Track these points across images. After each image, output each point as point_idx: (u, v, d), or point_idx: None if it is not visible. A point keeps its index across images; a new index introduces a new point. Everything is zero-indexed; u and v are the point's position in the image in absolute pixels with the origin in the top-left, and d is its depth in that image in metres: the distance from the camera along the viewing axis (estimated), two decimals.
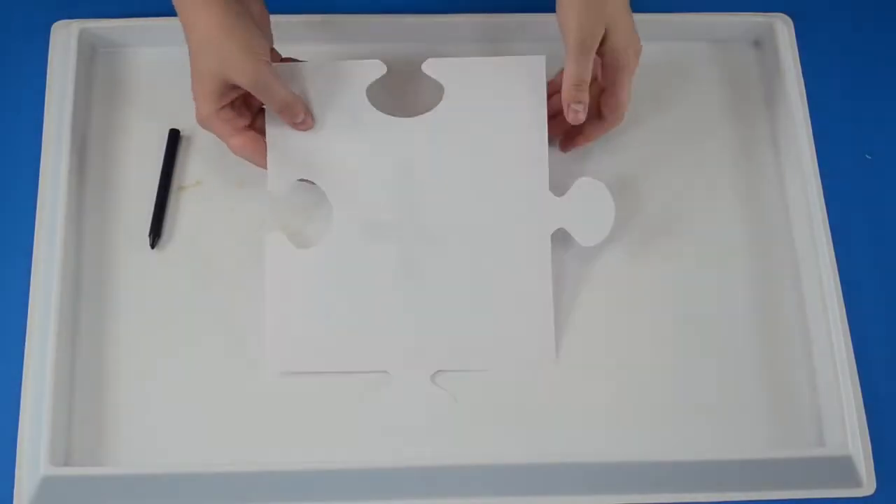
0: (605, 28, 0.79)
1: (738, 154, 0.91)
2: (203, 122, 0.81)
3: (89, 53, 0.91)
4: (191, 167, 0.88)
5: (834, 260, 0.85)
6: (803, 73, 0.92)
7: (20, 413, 0.79)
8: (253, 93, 0.80)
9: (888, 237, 0.89)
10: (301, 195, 0.86)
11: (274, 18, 0.85)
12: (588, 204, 0.84)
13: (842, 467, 0.79)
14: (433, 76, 0.84)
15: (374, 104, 0.84)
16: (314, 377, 0.81)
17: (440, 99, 0.85)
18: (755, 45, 0.95)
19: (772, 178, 0.90)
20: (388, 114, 0.84)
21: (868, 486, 0.80)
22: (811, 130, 0.89)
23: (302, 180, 0.84)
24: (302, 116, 0.82)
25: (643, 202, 0.88)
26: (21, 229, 0.85)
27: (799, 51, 0.92)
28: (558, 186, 0.84)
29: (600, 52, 0.80)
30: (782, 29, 0.93)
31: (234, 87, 0.79)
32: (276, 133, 0.83)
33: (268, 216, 0.86)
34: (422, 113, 0.85)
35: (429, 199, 0.83)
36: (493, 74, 0.84)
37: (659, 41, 0.94)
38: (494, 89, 0.84)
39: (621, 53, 0.80)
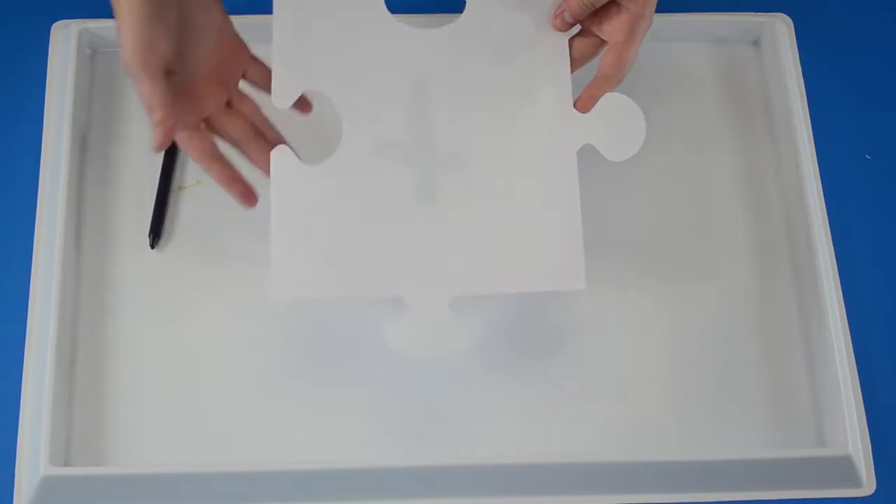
0: None
1: (738, 154, 0.91)
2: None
3: (89, 53, 0.91)
4: (191, 167, 0.88)
5: (834, 260, 0.85)
6: (803, 73, 0.92)
7: (20, 413, 0.79)
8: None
9: (888, 237, 0.89)
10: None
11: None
12: (616, 119, 0.77)
13: (842, 467, 0.79)
14: None
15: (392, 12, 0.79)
16: (314, 377, 0.81)
17: (461, 11, 0.80)
18: (755, 45, 0.95)
19: (772, 178, 0.90)
20: (407, 24, 0.79)
21: (868, 486, 0.80)
22: (811, 130, 0.89)
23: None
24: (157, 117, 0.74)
25: (642, 202, 0.88)
26: (21, 229, 0.85)
27: (799, 51, 0.92)
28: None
29: (620, 1, 0.77)
30: (782, 29, 0.93)
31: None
32: (284, 40, 0.76)
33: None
34: (441, 25, 0.79)
35: (447, 115, 0.77)
36: None
37: (659, 41, 0.94)
38: (518, 7, 0.79)
39: (648, 4, 0.77)
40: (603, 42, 0.78)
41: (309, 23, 0.77)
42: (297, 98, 0.76)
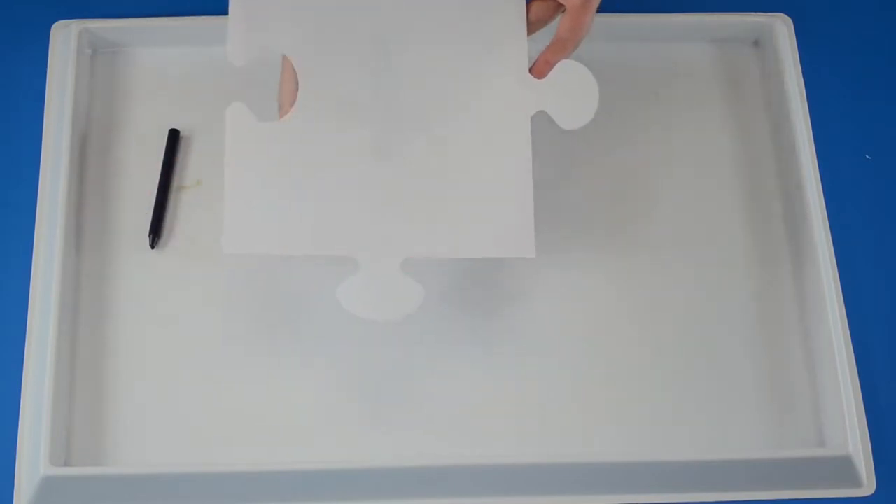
0: None
1: (738, 154, 0.91)
2: None
3: (89, 53, 0.91)
4: (191, 167, 0.88)
5: (834, 260, 0.85)
6: (803, 73, 0.92)
7: (20, 413, 0.79)
8: None
9: (888, 237, 0.89)
10: (264, 65, 0.79)
11: None
12: (570, 86, 0.77)
13: (842, 467, 0.79)
14: None
15: None
16: (315, 377, 0.81)
17: None
18: (755, 45, 0.95)
19: (771, 178, 0.90)
20: None
21: (868, 486, 0.80)
22: (811, 130, 0.89)
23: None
24: None
25: (642, 202, 0.88)
26: (21, 229, 0.85)
27: (799, 51, 0.92)
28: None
29: None
30: (782, 29, 0.93)
31: None
32: None
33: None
34: None
35: (406, 76, 0.77)
36: None
37: (659, 41, 0.94)
38: None
39: None
40: (560, 6, 0.78)
41: None
42: (252, 55, 0.76)
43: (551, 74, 0.77)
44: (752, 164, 0.90)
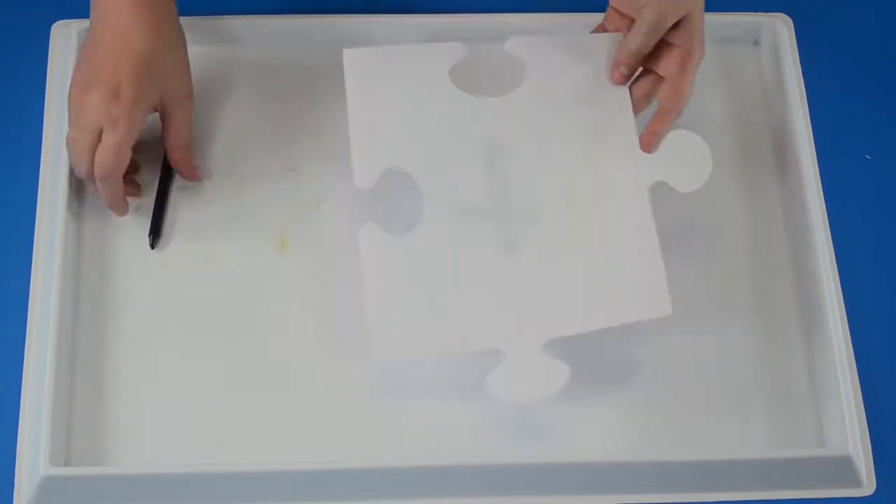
0: (684, 14, 0.79)
1: (738, 154, 0.91)
2: (129, 107, 0.78)
3: None
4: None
5: (834, 260, 0.85)
6: (803, 73, 0.92)
7: (20, 413, 0.79)
8: (176, 113, 0.82)
9: (888, 237, 0.89)
10: (387, 183, 0.81)
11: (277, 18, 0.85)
12: (682, 154, 0.82)
13: (842, 467, 0.79)
14: (516, 55, 0.83)
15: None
16: (314, 377, 0.81)
17: (521, 78, 0.83)
18: (755, 45, 0.95)
19: (771, 179, 0.90)
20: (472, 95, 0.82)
21: (868, 486, 0.80)
22: (811, 130, 0.89)
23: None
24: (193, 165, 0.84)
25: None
26: (21, 229, 0.85)
27: (799, 51, 0.92)
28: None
29: (672, 37, 0.80)
30: (782, 29, 0.93)
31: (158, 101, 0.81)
32: (361, 121, 0.80)
33: (357, 209, 0.84)
34: (504, 93, 0.83)
35: (521, 173, 0.81)
36: (573, 50, 0.83)
37: None
38: (576, 64, 0.83)
39: (695, 39, 0.80)
40: (660, 78, 0.81)
41: (380, 102, 0.81)
42: (377, 176, 0.79)
43: (664, 145, 0.81)
44: (752, 164, 0.90)
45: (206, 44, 0.91)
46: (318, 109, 0.90)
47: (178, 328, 0.83)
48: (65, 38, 0.89)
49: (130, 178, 0.85)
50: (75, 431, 0.79)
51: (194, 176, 0.86)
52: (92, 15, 0.81)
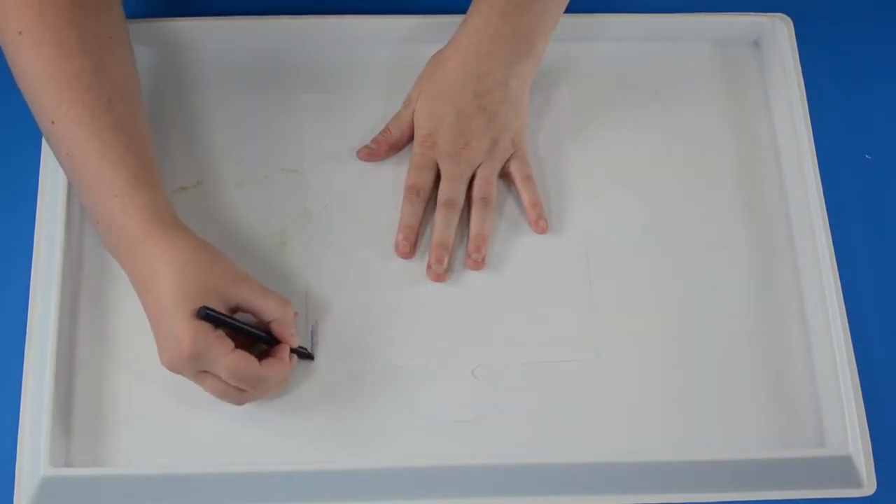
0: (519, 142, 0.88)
1: (738, 154, 0.91)
2: (196, 348, 0.73)
3: None
4: (190, 167, 0.88)
5: (834, 260, 0.85)
6: (803, 73, 0.92)
7: (20, 413, 0.79)
8: (247, 302, 0.77)
9: (888, 237, 0.89)
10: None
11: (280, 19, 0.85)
12: None
13: (842, 467, 0.79)
14: None
15: None
16: (313, 378, 0.81)
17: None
18: (755, 45, 0.95)
19: (772, 178, 0.90)
20: None
21: (868, 486, 0.80)
22: (811, 130, 0.89)
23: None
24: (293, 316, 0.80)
25: (643, 202, 0.88)
26: (21, 229, 0.85)
27: (799, 51, 0.92)
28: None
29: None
30: (782, 29, 0.93)
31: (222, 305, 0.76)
32: None
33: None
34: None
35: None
36: None
37: (659, 41, 0.94)
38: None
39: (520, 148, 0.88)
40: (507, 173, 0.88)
41: None
42: None
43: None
44: (752, 165, 0.90)
45: (207, 44, 0.91)
46: (322, 111, 0.90)
47: None
48: None
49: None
50: (75, 431, 0.79)
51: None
52: (126, 267, 0.78)
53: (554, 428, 0.81)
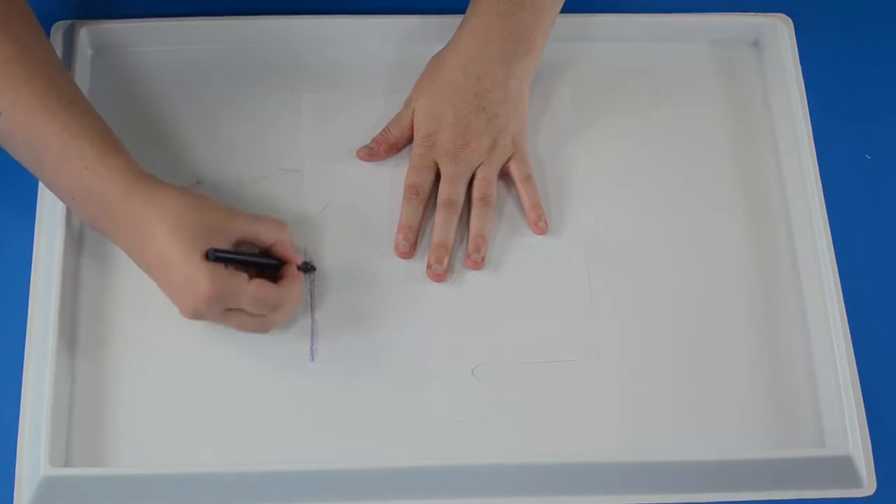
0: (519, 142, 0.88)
1: (738, 154, 0.91)
2: (218, 288, 0.74)
3: (90, 54, 0.91)
4: (190, 167, 0.88)
5: (834, 260, 0.85)
6: (803, 73, 0.92)
7: (20, 413, 0.79)
8: (259, 236, 0.79)
9: (888, 237, 0.89)
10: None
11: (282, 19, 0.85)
12: None
13: (842, 467, 0.79)
14: None
15: None
16: (314, 377, 0.81)
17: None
18: (755, 45, 0.95)
19: (772, 178, 0.90)
20: None
21: (868, 486, 0.80)
22: (811, 130, 0.89)
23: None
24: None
25: (642, 202, 0.88)
26: (21, 229, 0.85)
27: (799, 51, 0.93)
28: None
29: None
30: (782, 29, 0.93)
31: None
32: None
33: None
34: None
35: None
36: None
37: (659, 41, 0.94)
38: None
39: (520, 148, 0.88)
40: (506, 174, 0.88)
41: None
42: None
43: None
44: (752, 164, 0.90)
45: (205, 44, 0.91)
46: (322, 111, 0.90)
47: (178, 329, 0.82)
48: (65, 38, 0.89)
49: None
50: (75, 431, 0.79)
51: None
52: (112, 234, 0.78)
53: (554, 428, 0.81)
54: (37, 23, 0.80)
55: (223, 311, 0.77)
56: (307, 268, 0.82)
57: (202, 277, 0.74)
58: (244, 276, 0.76)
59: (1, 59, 0.75)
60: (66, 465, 0.78)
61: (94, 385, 0.81)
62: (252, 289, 0.76)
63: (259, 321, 0.78)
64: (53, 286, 0.81)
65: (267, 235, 0.79)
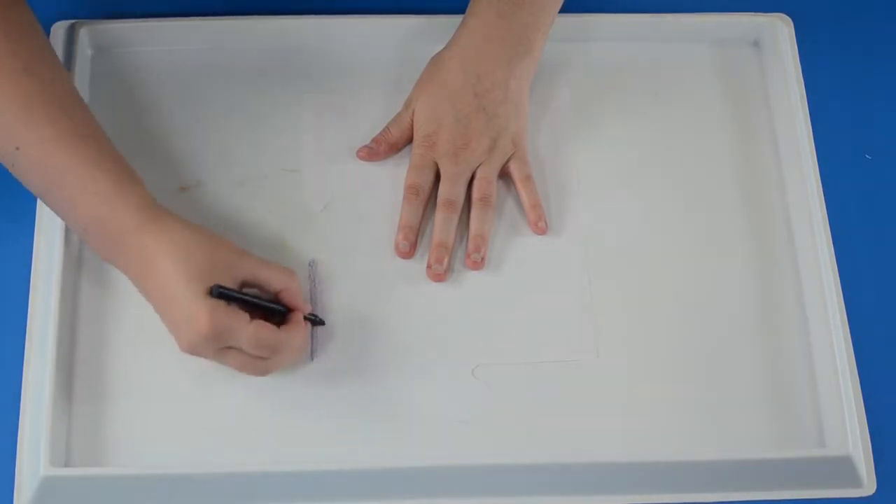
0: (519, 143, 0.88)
1: (738, 154, 0.91)
2: (216, 324, 0.73)
3: (90, 54, 0.91)
4: (190, 167, 0.88)
5: (834, 260, 0.85)
6: (803, 73, 0.92)
7: (20, 413, 0.79)
8: (266, 282, 0.78)
9: (888, 237, 0.89)
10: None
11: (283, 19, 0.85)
12: None
13: (842, 467, 0.79)
14: None
15: None
16: (313, 378, 0.81)
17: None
18: (755, 45, 0.95)
19: (772, 178, 0.90)
20: None
21: (868, 486, 0.80)
22: (811, 130, 0.89)
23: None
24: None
25: (642, 202, 0.88)
26: (21, 229, 0.85)
27: (799, 51, 0.93)
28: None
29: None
30: (782, 29, 0.93)
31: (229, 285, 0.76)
32: None
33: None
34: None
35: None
36: None
37: (659, 41, 0.94)
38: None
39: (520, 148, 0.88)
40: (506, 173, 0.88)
41: None
42: None
43: None
44: (752, 164, 0.90)
45: (205, 44, 0.91)
46: (322, 111, 0.90)
47: None
48: (65, 38, 0.89)
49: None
50: (75, 431, 0.79)
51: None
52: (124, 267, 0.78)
53: (554, 428, 0.81)
54: (55, 56, 0.80)
55: (220, 349, 0.76)
56: (315, 320, 0.81)
57: (201, 312, 0.73)
58: (246, 315, 0.75)
59: (23, 96, 0.75)
60: (66, 465, 0.78)
61: (94, 385, 0.81)
62: (252, 329, 0.75)
63: (257, 364, 0.77)
64: (53, 286, 0.81)
65: (276, 281, 0.78)
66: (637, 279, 0.86)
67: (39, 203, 0.85)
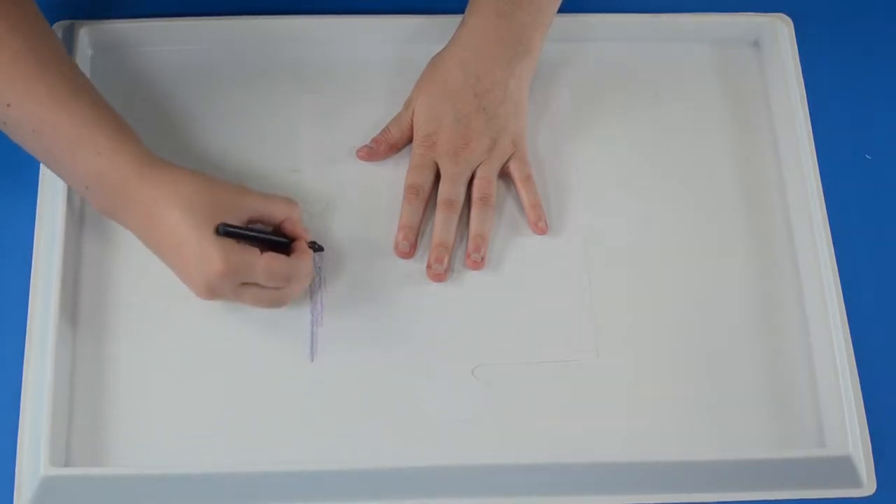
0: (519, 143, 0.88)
1: (738, 154, 0.91)
2: (231, 261, 0.75)
3: (90, 54, 0.91)
4: (190, 167, 0.87)
5: (834, 260, 0.85)
6: (803, 73, 0.92)
7: (20, 413, 0.79)
8: (260, 210, 0.79)
9: (888, 237, 0.89)
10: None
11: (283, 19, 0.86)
12: None
13: (842, 467, 0.79)
14: None
15: None
16: (313, 378, 0.81)
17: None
18: (755, 45, 0.95)
19: (772, 178, 0.90)
20: None
21: (868, 486, 0.80)
22: (811, 130, 0.89)
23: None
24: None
25: (642, 202, 0.88)
26: (21, 229, 0.85)
27: (799, 51, 0.93)
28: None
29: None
30: (782, 29, 0.93)
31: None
32: None
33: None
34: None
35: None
36: None
37: (659, 41, 0.94)
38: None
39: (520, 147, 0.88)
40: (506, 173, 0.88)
41: None
42: None
43: None
44: (752, 164, 0.90)
45: (205, 44, 0.91)
46: (322, 111, 0.90)
47: (177, 329, 0.82)
48: (65, 38, 0.89)
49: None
50: (75, 431, 0.79)
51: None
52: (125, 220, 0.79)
53: (554, 428, 0.81)
54: (41, 16, 0.80)
55: (237, 286, 0.77)
56: (315, 247, 0.82)
57: (215, 253, 0.75)
58: (256, 249, 0.77)
59: (10, 53, 0.75)
60: (66, 465, 0.78)
61: (94, 385, 0.81)
62: (265, 261, 0.77)
63: (274, 295, 0.79)
64: (53, 286, 0.81)
65: (278, 212, 0.80)
66: (637, 279, 0.86)
67: (40, 203, 0.84)
